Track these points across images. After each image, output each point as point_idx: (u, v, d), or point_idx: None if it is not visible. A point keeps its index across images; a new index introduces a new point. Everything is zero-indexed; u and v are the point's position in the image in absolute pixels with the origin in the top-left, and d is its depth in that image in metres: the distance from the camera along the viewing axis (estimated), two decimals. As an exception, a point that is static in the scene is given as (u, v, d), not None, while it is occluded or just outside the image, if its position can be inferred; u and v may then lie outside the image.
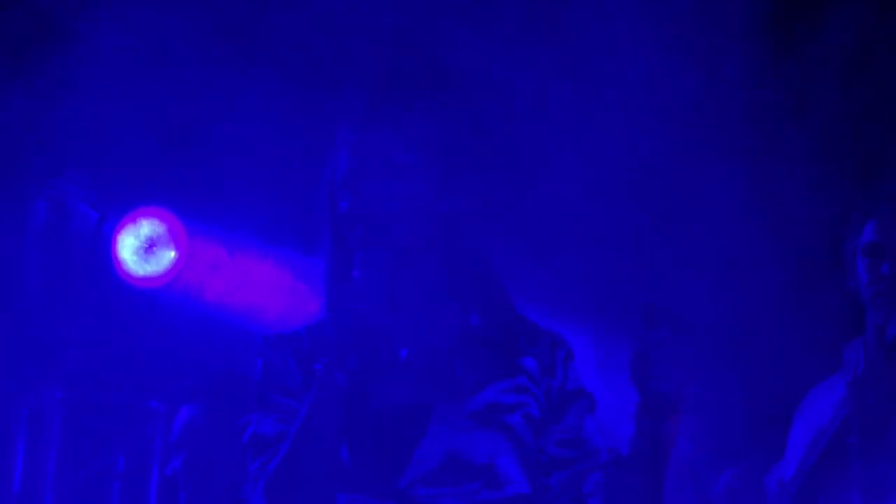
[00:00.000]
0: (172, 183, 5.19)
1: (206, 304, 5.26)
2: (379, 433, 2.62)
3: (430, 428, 2.65)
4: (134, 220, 5.13)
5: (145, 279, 5.15)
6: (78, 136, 4.81)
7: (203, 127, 4.94)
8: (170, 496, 4.08)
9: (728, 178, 5.02)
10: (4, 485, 5.20)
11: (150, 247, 5.14)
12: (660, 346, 2.54)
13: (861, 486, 3.72)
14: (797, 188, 5.06)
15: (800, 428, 3.99)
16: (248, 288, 5.28)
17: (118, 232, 5.12)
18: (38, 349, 5.15)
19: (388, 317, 2.56)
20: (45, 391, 5.18)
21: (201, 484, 4.01)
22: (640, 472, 2.62)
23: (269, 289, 5.32)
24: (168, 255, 5.12)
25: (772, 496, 3.97)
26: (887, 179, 4.46)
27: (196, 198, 5.19)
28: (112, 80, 4.70)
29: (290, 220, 5.15)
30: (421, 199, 2.70)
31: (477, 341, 2.70)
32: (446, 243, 2.69)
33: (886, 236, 3.78)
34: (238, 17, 4.83)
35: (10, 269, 5.10)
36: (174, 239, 5.16)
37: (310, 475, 2.60)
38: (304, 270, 5.25)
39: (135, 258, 5.13)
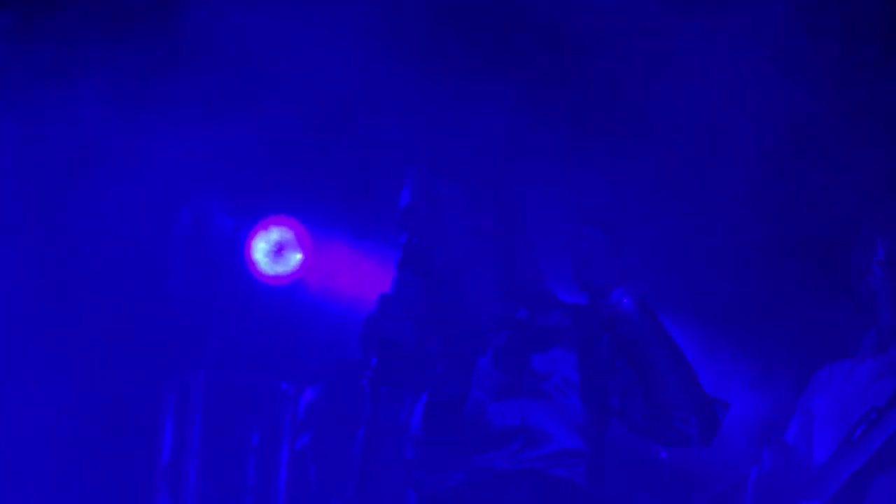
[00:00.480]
0: (298, 194, 5.44)
1: (327, 299, 5.44)
2: (437, 419, 2.87)
3: (477, 406, 2.89)
4: (265, 227, 5.40)
5: (275, 278, 5.44)
6: (216, 154, 5.07)
7: (323, 144, 5.23)
8: (300, 470, 4.16)
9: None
10: (155, 457, 5.44)
11: (279, 250, 5.41)
12: (592, 242, 2.84)
13: None
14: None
15: (824, 404, 4.15)
16: (363, 285, 5.40)
17: (251, 237, 5.42)
18: (183, 339, 5.42)
19: (409, 325, 2.79)
20: (190, 376, 5.43)
21: (326, 459, 4.23)
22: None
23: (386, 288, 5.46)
24: (295, 257, 5.39)
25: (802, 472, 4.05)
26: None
27: (319, 207, 5.44)
28: (243, 107, 4.96)
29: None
30: (463, 222, 2.98)
31: (523, 328, 2.93)
32: (495, 253, 2.96)
33: None
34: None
35: (159, 270, 5.39)
36: (300, 243, 5.41)
37: (386, 463, 2.92)
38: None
39: (266, 259, 5.42)
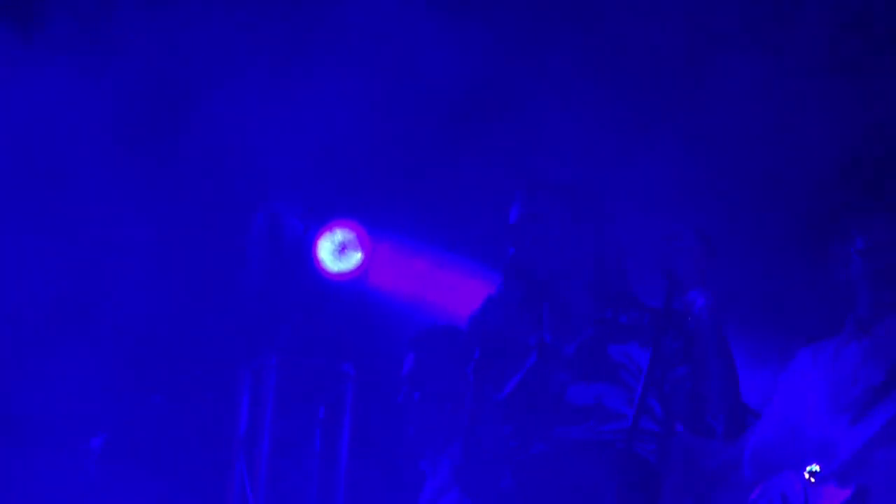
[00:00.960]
0: (360, 199, 5.72)
1: (384, 292, 5.74)
2: (526, 398, 3.13)
3: (560, 387, 3.13)
4: (330, 229, 5.70)
5: (338, 274, 5.74)
6: (286, 162, 5.38)
7: (380, 152, 5.40)
8: (399, 422, 4.34)
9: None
10: (232, 430, 5.77)
11: (342, 249, 5.72)
12: (686, 241, 3.02)
13: None
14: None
15: (815, 382, 4.26)
16: (419, 282, 5.75)
17: (318, 238, 5.72)
18: (257, 327, 5.75)
19: (510, 323, 3.09)
20: (264, 359, 5.76)
21: (425, 417, 4.21)
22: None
23: (436, 285, 5.76)
24: (356, 256, 5.71)
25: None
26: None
27: (378, 211, 5.72)
28: (313, 120, 5.21)
29: (460, 228, 5.63)
30: (564, 236, 3.19)
31: (607, 325, 3.16)
32: (589, 261, 3.17)
33: (878, 241, 4.11)
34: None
35: (235, 266, 5.74)
36: (361, 244, 5.73)
37: (485, 435, 3.15)
38: (468, 272, 5.68)
39: (330, 258, 5.73)
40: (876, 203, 4.70)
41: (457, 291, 5.71)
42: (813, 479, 4.43)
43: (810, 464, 4.37)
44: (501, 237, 3.28)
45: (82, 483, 5.54)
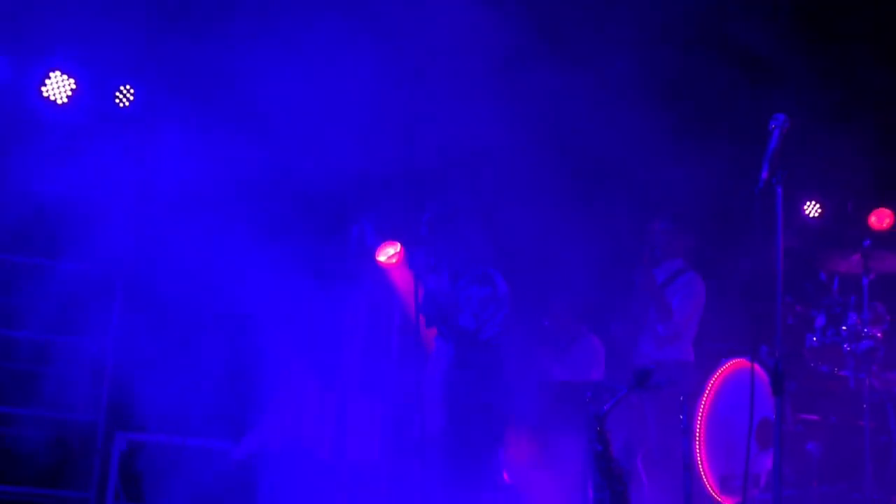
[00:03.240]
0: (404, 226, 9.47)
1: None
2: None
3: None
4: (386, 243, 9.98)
5: (382, 263, 9.88)
6: (372, 188, 8.47)
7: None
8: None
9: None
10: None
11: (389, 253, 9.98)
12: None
13: None
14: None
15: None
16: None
17: (378, 246, 9.87)
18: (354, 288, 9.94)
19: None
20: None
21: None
22: None
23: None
24: (392, 257, 10.00)
25: None
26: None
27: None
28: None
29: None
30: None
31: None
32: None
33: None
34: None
35: (343, 259, 9.32)
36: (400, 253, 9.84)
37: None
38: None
39: (383, 256, 9.96)
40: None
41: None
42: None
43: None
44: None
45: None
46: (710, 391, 8.08)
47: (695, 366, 8.48)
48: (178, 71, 8.73)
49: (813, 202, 10.96)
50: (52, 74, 8.98)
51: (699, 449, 7.84)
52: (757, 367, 7.37)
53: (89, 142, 8.86)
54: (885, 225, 10.28)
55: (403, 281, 10.13)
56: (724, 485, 8.01)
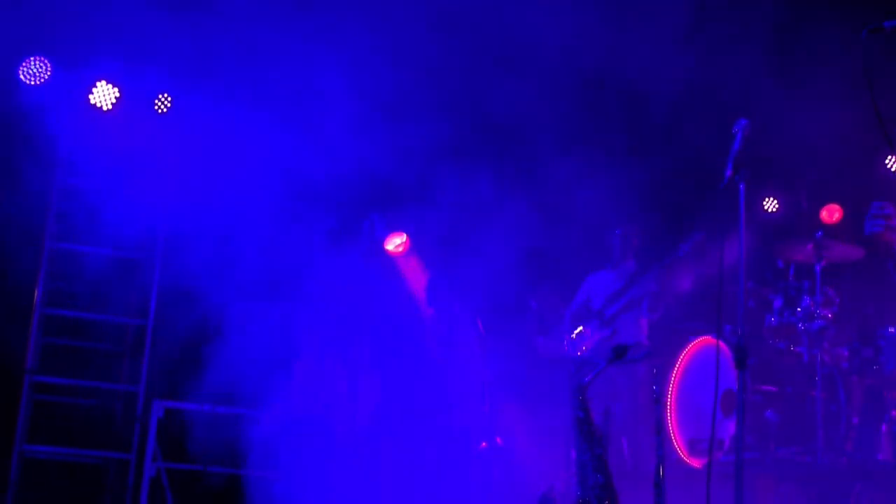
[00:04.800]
0: (413, 216, 10.18)
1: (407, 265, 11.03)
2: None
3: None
4: (394, 234, 10.90)
5: (391, 252, 10.88)
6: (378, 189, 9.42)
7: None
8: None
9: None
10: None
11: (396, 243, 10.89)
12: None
13: None
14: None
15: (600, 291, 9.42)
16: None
17: (386, 237, 10.76)
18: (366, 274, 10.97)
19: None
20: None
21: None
22: None
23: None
24: (399, 247, 10.90)
25: None
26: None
27: (421, 224, 10.07)
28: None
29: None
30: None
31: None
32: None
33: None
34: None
35: (355, 253, 9.81)
36: (406, 242, 10.79)
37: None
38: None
39: (391, 246, 10.88)
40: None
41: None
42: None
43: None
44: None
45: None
46: (680, 365, 8.87)
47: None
48: (208, 73, 9.48)
49: (771, 198, 11.60)
50: (98, 83, 9.89)
51: (670, 416, 8.79)
52: (722, 344, 8.03)
53: (130, 142, 9.77)
54: (834, 219, 11.07)
55: (411, 269, 10.99)
56: (692, 447, 8.65)
